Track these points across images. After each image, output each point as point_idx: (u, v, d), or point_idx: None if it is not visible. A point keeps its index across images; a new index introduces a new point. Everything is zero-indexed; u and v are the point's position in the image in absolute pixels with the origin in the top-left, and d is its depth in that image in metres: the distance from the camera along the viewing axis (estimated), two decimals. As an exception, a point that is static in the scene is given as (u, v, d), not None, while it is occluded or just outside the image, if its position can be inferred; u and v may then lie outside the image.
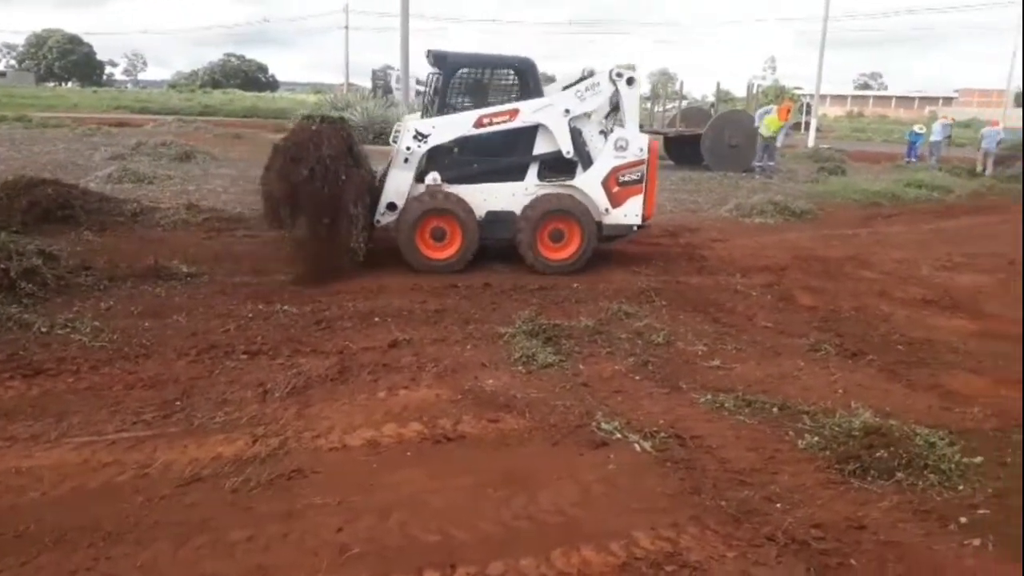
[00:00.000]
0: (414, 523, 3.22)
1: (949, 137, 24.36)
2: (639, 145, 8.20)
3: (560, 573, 2.91)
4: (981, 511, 3.48)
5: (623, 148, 8.14)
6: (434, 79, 8.40)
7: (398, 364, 5.17)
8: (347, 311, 6.34)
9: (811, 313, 6.85)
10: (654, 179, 8.42)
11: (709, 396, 4.80)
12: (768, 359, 5.62)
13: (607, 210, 8.19)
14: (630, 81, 8.13)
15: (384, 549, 3.03)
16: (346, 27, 49.09)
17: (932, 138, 24.15)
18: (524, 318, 6.12)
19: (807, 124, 35.66)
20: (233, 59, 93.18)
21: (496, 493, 3.49)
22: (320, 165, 7.05)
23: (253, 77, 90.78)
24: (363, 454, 3.89)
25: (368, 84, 40.93)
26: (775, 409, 4.62)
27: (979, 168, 21.67)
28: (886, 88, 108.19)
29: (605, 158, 8.16)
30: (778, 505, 3.50)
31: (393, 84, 34.79)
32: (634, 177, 8.21)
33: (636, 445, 4.08)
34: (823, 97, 66.12)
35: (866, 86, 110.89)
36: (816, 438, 4.16)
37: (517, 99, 8.06)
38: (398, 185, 7.91)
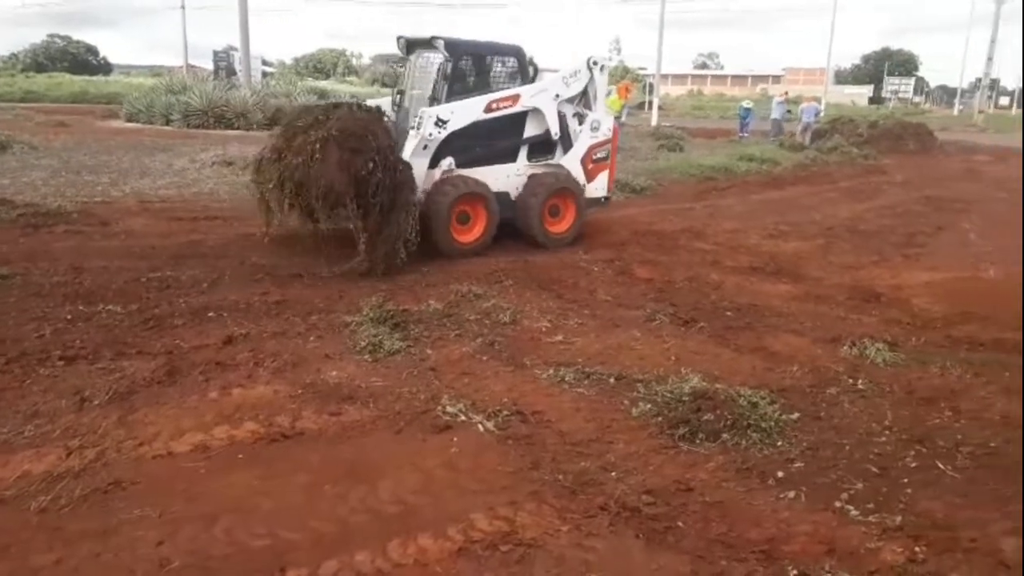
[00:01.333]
0: (241, 529, 3.06)
1: (789, 112, 25.60)
2: (608, 125, 9.18)
3: (396, 565, 2.86)
4: (796, 464, 3.73)
5: (596, 128, 9.04)
6: (439, 64, 8.31)
7: (233, 361, 4.92)
8: (178, 308, 5.96)
9: (648, 285, 7.13)
10: (615, 156, 9.49)
11: (551, 371, 4.89)
12: (607, 331, 5.79)
13: (583, 185, 8.99)
14: (602, 68, 8.94)
15: (208, 560, 2.86)
16: (183, 6, 45.99)
17: (773, 116, 25.47)
18: (371, 305, 5.98)
19: (650, 103, 37.11)
20: (57, 40, 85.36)
21: (333, 489, 3.39)
22: (380, 156, 7.06)
23: (82, 60, 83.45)
24: (190, 460, 3.66)
25: (211, 66, 38.82)
26: (612, 379, 4.77)
27: (803, 141, 23.31)
28: (723, 68, 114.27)
29: (583, 138, 8.97)
30: (613, 474, 3.61)
31: (237, 65, 33.15)
32: (603, 154, 9.20)
33: (480, 426, 4.10)
34: (665, 77, 68.96)
35: (704, 66, 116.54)
36: (649, 405, 4.33)
37: (498, 85, 8.48)
38: (417, 172, 7.71)
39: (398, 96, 8.83)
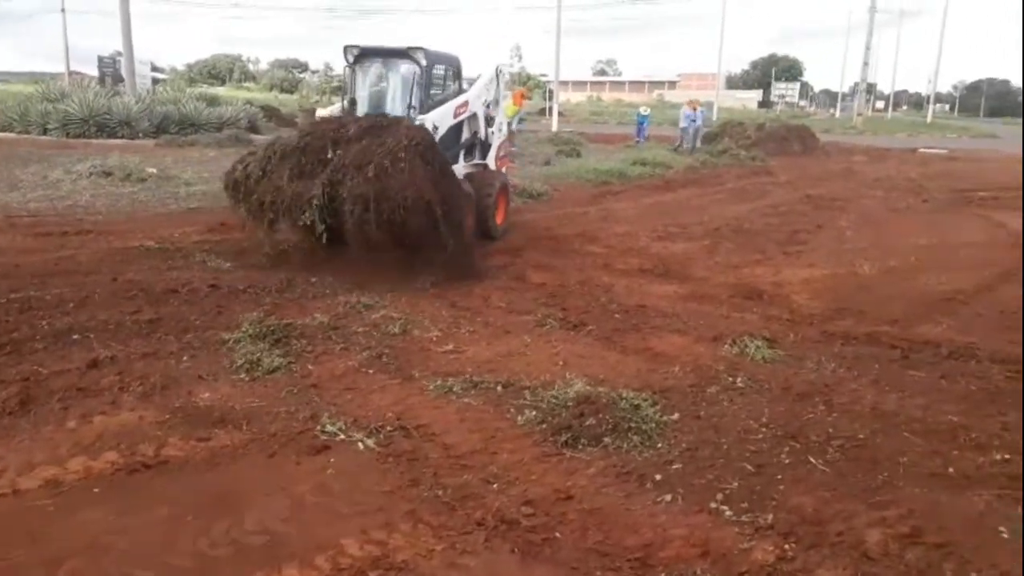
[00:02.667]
0: (90, 572, 2.83)
1: (695, 120, 25.42)
2: (505, 126, 10.59)
3: (257, 600, 2.70)
4: (675, 466, 3.76)
5: (501, 129, 10.17)
6: (414, 73, 8.51)
7: (97, 387, 4.60)
8: (40, 330, 5.53)
9: (541, 290, 7.11)
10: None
11: (439, 381, 4.80)
12: (498, 338, 5.74)
13: None
14: (504, 75, 10.34)
15: (45, 609, 2.63)
16: (63, 10, 43.46)
17: (681, 124, 25.68)
18: (252, 320, 5.72)
19: (550, 110, 37.50)
20: (-78, 46, 79.41)
21: (196, 521, 3.18)
22: (447, 165, 7.42)
23: (-47, 67, 78.06)
24: (39, 497, 3.37)
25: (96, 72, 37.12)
26: (500, 388, 4.71)
27: (688, 144, 23.96)
28: (620, 74, 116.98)
29: (495, 139, 9.91)
30: (494, 486, 3.54)
31: (124, 72, 31.72)
32: (504, 152, 10.48)
33: (360, 444, 3.95)
34: (565, 83, 69.96)
35: (603, 72, 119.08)
36: (535, 412, 4.29)
37: (447, 93, 8.97)
38: None
39: (349, 104, 8.78)
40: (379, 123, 7.36)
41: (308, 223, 6.98)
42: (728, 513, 3.32)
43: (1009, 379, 5.01)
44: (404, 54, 8.47)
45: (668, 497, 3.45)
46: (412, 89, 8.43)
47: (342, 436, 4.02)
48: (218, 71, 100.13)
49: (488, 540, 3.07)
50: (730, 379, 4.91)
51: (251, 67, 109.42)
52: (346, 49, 8.69)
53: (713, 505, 3.38)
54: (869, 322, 6.33)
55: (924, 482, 3.64)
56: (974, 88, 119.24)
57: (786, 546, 3.06)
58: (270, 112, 29.67)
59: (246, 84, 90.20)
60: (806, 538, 3.12)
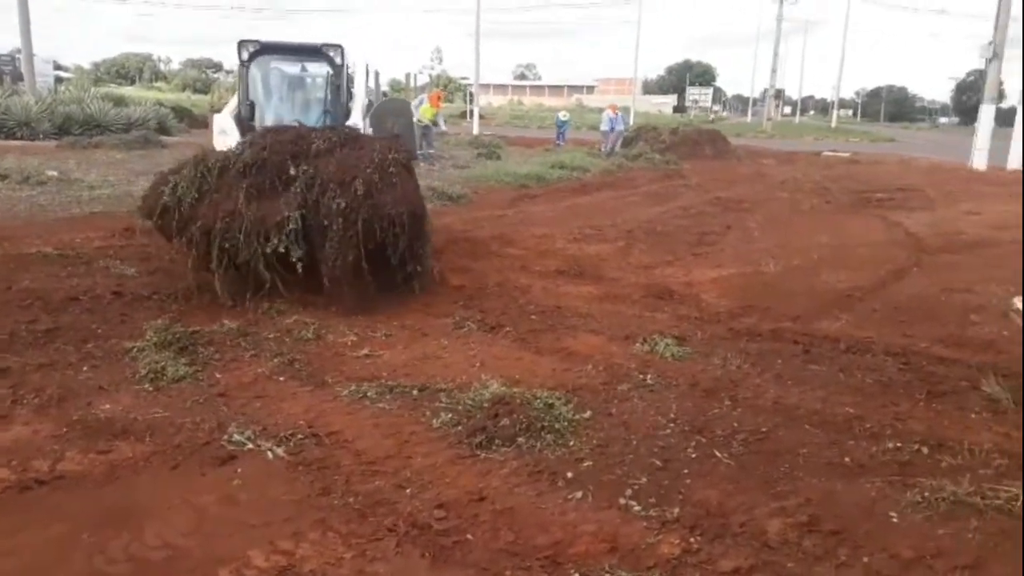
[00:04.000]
0: (-27, 596, 2.68)
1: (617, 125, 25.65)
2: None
3: (156, 617, 2.61)
4: (586, 463, 3.81)
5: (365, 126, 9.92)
6: (326, 73, 8.32)
7: (-13, 401, 4.36)
8: (-76, 344, 5.22)
9: (459, 292, 7.09)
10: None
11: (353, 387, 4.73)
12: (415, 341, 5.71)
13: None
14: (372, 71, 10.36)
15: (-78, 639, 2.48)
16: (-50, 2, 41.02)
17: (602, 127, 25.84)
18: (157, 328, 5.51)
19: (471, 112, 37.62)
20: None
21: (92, 538, 3.05)
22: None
23: None
24: (-82, 521, 3.18)
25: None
26: (415, 391, 4.68)
27: (614, 147, 24.42)
28: (540, 78, 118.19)
29: None
30: (408, 491, 3.51)
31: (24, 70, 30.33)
32: None
33: (269, 453, 3.87)
34: (487, 86, 70.19)
35: (523, 76, 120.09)
36: (450, 415, 4.28)
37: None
38: None
39: (248, 108, 8.01)
40: (347, 134, 6.81)
41: (282, 250, 6.06)
42: (636, 508, 3.39)
43: (901, 371, 5.28)
44: (317, 51, 7.97)
45: (579, 494, 3.49)
46: (326, 91, 8.12)
47: (250, 445, 3.93)
48: (127, 70, 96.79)
49: (399, 546, 3.05)
50: (641, 376, 5.01)
51: (162, 66, 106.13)
52: (241, 45, 7.89)
53: (622, 501, 3.44)
54: (773, 319, 6.56)
55: (822, 472, 3.80)
56: (875, 94, 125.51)
57: (691, 539, 3.14)
58: (181, 113, 28.77)
59: (157, 84, 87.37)
60: (710, 530, 3.21)
